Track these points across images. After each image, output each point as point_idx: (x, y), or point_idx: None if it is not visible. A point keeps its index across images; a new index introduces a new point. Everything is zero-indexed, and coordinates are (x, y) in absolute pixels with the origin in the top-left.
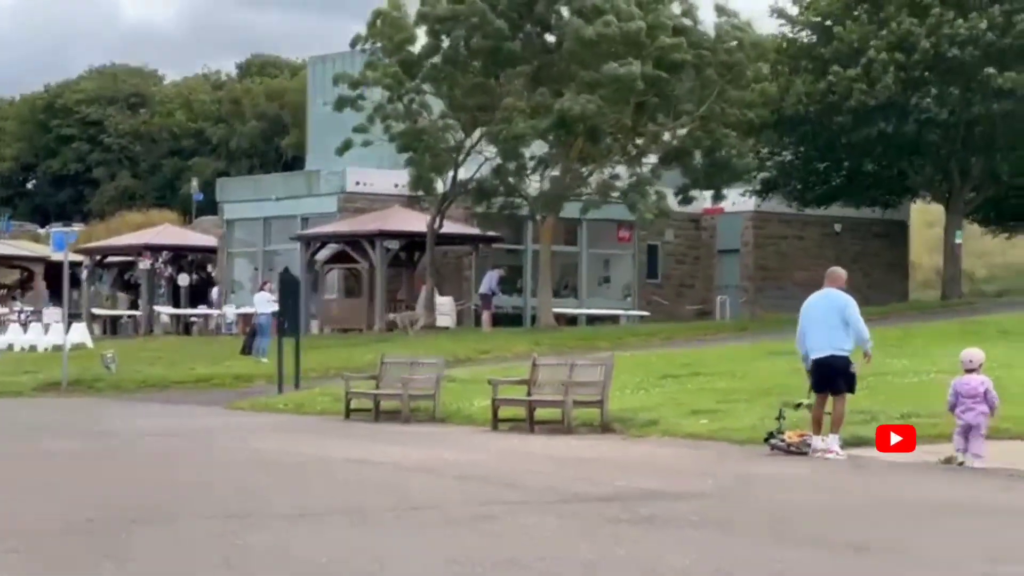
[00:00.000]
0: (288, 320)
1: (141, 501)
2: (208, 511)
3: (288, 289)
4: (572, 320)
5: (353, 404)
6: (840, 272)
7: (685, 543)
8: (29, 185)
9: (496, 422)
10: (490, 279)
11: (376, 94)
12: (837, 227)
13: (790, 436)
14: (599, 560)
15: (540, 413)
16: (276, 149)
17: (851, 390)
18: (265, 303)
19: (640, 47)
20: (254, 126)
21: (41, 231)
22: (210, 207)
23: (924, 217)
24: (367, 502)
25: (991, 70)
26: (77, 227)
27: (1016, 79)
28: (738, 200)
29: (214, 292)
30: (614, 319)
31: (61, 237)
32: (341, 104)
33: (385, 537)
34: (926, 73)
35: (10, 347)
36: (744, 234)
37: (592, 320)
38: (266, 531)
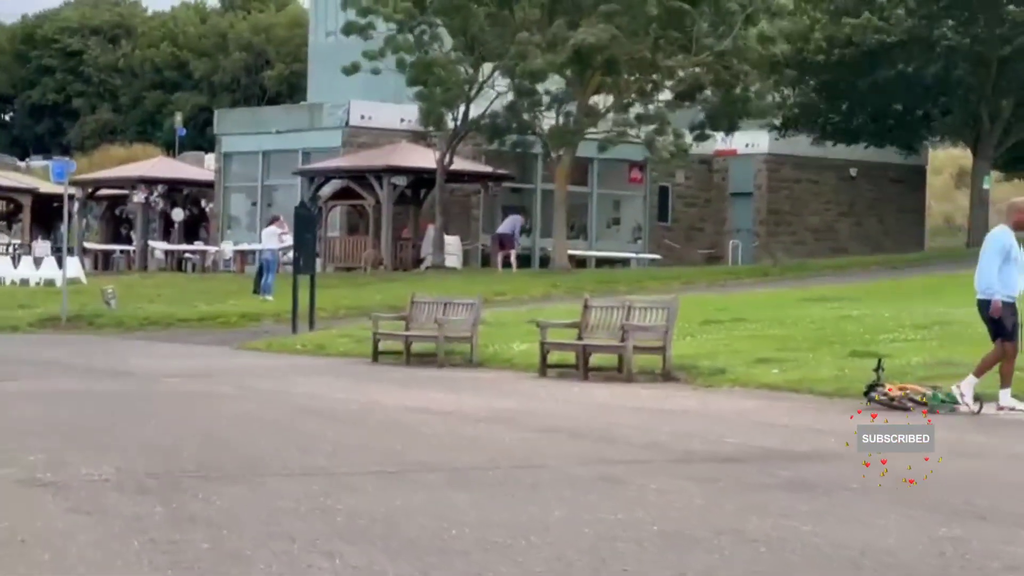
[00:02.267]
0: (304, 257)
1: (198, 455)
2: (282, 467)
3: (304, 224)
4: (581, 262)
5: (381, 346)
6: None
7: (872, 516)
8: (7, 117)
9: (545, 368)
10: (514, 223)
11: (383, 23)
12: (853, 171)
13: (891, 389)
14: (788, 538)
15: (594, 359)
16: (260, 84)
17: (997, 336)
18: (273, 239)
19: None
20: (237, 59)
21: (21, 163)
22: (193, 142)
23: (932, 163)
24: (458, 459)
25: (1011, 7)
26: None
27: None
28: (752, 142)
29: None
30: (625, 262)
31: (62, 167)
32: (350, 29)
33: (501, 502)
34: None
35: (0, 281)
36: (757, 177)
37: (602, 263)
38: (360, 493)
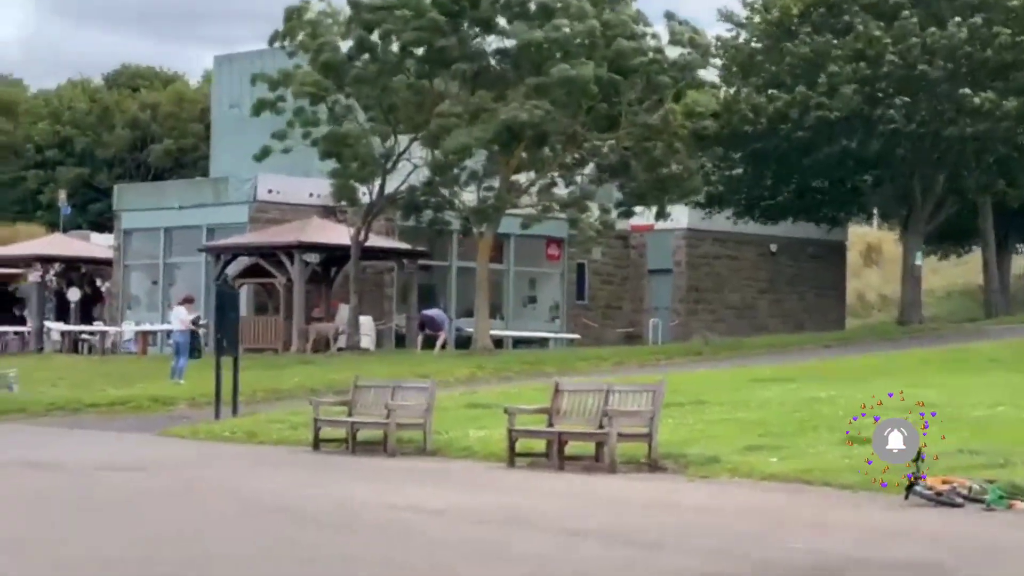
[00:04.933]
0: (226, 337)
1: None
2: None
3: (226, 302)
4: (498, 342)
5: (321, 433)
6: None
7: None
8: None
9: (513, 456)
10: (442, 312)
11: (292, 97)
12: (773, 247)
13: (935, 483)
14: None
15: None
16: (144, 161)
17: None
18: (181, 320)
19: (593, 48)
20: (121, 135)
21: None
22: (73, 222)
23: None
24: (499, 574)
25: (967, 90)
26: None
27: (994, 100)
28: (671, 216)
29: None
30: (543, 342)
31: None
32: (260, 108)
33: None
34: (890, 89)
35: None
36: (676, 253)
37: (519, 343)
38: None
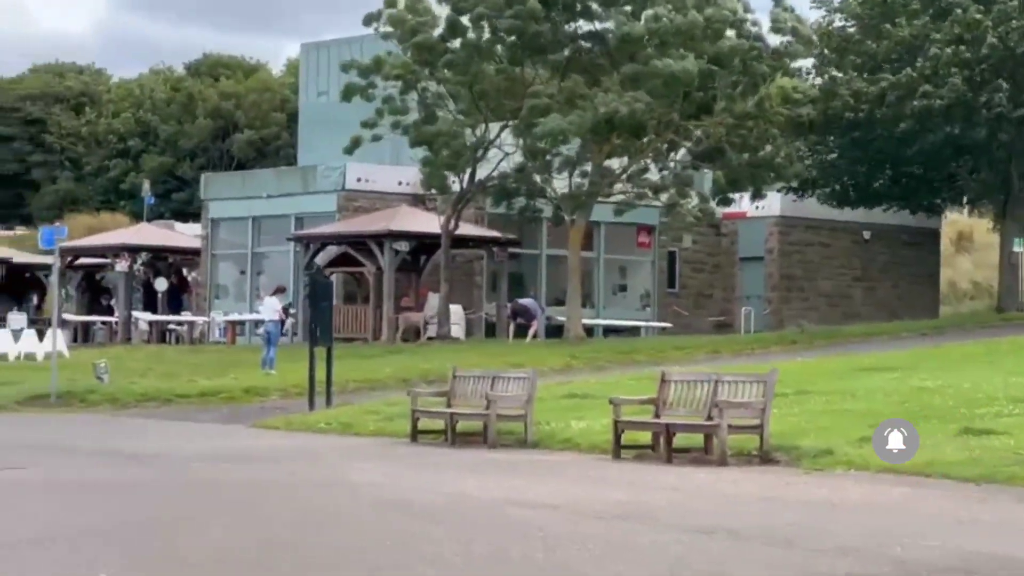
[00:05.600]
0: (320, 328)
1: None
2: None
3: (320, 292)
4: (588, 331)
5: (420, 424)
6: None
7: None
8: None
9: (619, 449)
10: (535, 300)
11: (384, 81)
12: (866, 234)
13: None
14: None
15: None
16: (227, 150)
17: None
18: (273, 310)
19: (691, 38)
20: (204, 124)
21: None
22: (155, 211)
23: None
24: (631, 573)
25: None
26: (20, 230)
27: None
28: (762, 204)
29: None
30: (633, 331)
31: (51, 233)
32: (350, 93)
33: None
34: (987, 73)
35: None
36: (768, 240)
37: (609, 331)
38: None
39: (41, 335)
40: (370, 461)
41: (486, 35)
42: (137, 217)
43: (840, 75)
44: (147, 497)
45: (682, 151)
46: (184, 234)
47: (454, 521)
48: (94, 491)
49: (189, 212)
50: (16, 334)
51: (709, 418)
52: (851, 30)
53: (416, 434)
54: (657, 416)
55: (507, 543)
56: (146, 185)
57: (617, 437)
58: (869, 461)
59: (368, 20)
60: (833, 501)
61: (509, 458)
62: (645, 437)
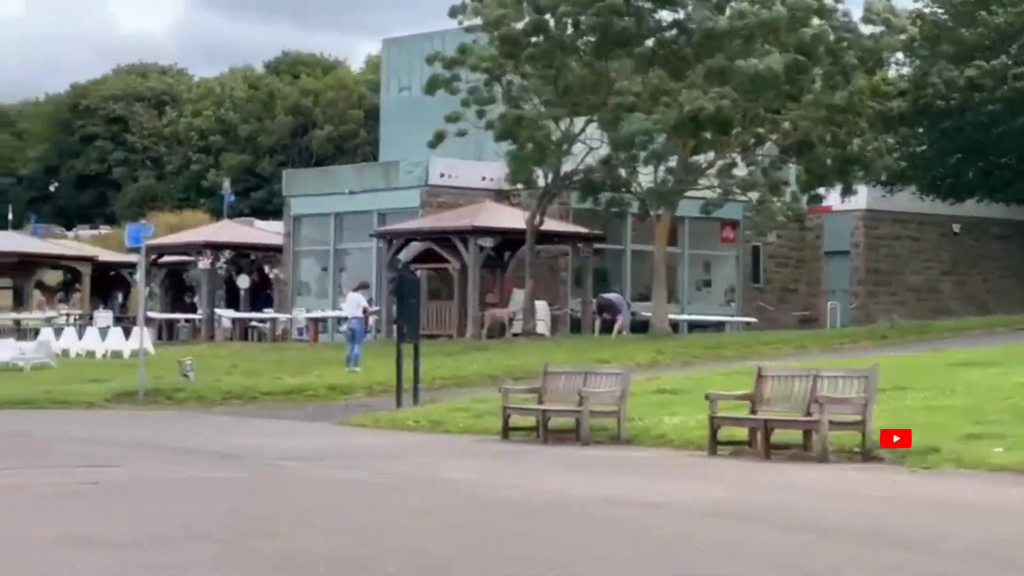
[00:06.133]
0: (408, 324)
1: None
2: None
3: (408, 289)
4: (674, 326)
5: (511, 421)
6: None
7: None
8: (52, 188)
9: (715, 445)
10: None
11: (468, 74)
12: (956, 227)
13: None
14: None
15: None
16: (306, 147)
17: None
18: (356, 306)
19: (778, 34)
20: (283, 121)
21: (70, 233)
22: (237, 209)
23: None
24: None
25: None
26: (105, 229)
27: None
28: (848, 197)
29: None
30: (718, 326)
31: (138, 231)
32: (434, 86)
33: None
34: None
35: (65, 353)
36: (854, 235)
37: (693, 327)
38: None
39: (127, 333)
40: (464, 459)
41: (569, 31)
42: (217, 215)
43: (931, 64)
44: (248, 496)
45: (768, 145)
46: (265, 231)
47: (559, 520)
48: (194, 490)
49: (268, 210)
50: (103, 332)
51: (808, 414)
52: (943, 17)
53: (507, 431)
54: (754, 412)
55: (617, 542)
56: (226, 183)
57: (713, 433)
58: (979, 460)
59: (454, 12)
60: (947, 501)
61: (603, 455)
62: (741, 433)
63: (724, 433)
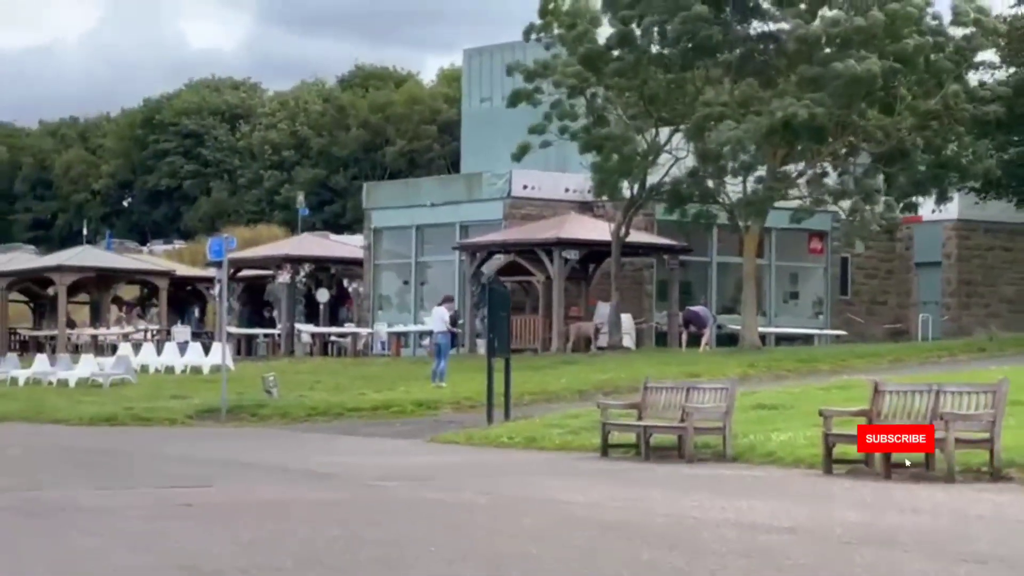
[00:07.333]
0: (498, 338)
1: None
2: None
3: (497, 302)
4: (762, 339)
5: (609, 438)
6: None
7: None
8: (125, 203)
9: (830, 464)
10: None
11: (550, 86)
12: None
13: None
14: None
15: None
16: (379, 161)
17: None
18: (441, 320)
19: (876, 39)
20: (356, 135)
21: (144, 248)
22: (310, 223)
23: None
24: None
25: None
26: (179, 244)
27: None
28: (939, 207)
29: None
30: (807, 339)
31: (220, 244)
32: (516, 99)
33: None
34: None
35: (143, 368)
36: (946, 245)
37: (781, 339)
38: None
39: (205, 348)
40: (567, 478)
41: (655, 41)
42: (291, 228)
43: None
44: (355, 520)
45: (861, 154)
46: (344, 244)
47: (689, 547)
48: (294, 513)
49: (341, 224)
50: (181, 347)
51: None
52: None
53: (607, 448)
54: None
55: (760, 573)
56: (300, 197)
57: (828, 451)
58: None
59: (528, 33)
60: None
61: (711, 473)
62: (855, 451)
63: (839, 451)
